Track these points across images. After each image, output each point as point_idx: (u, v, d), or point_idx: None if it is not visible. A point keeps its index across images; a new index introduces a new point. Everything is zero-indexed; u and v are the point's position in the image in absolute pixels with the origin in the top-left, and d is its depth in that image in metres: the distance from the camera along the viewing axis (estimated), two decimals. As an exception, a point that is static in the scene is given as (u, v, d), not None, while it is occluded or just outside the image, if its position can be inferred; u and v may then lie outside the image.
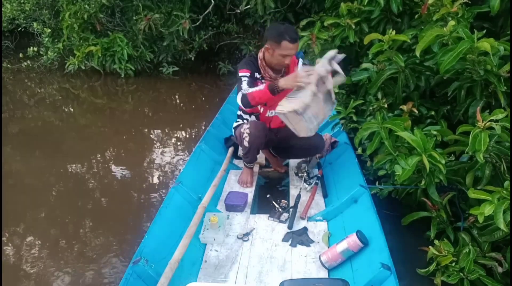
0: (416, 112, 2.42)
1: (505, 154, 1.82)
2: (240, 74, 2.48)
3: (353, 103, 2.93)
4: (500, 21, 2.58)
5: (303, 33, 3.56)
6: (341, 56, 2.30)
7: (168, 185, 3.47)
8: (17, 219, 3.02)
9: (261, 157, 3.00)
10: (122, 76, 6.35)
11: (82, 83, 6.52)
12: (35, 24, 7.02)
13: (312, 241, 2.20)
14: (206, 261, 2.07)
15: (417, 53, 2.29)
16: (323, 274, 1.97)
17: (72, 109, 5.78)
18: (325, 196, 2.64)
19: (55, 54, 6.78)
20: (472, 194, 1.69)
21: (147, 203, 3.22)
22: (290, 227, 2.30)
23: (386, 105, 2.66)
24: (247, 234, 2.26)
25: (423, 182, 2.02)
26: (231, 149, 3.03)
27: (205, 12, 6.07)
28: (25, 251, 2.70)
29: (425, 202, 2.15)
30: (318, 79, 2.16)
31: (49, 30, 6.82)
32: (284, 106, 2.16)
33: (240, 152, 2.87)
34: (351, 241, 1.95)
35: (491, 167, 1.86)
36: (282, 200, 2.51)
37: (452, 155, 2.12)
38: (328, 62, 2.22)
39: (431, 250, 1.89)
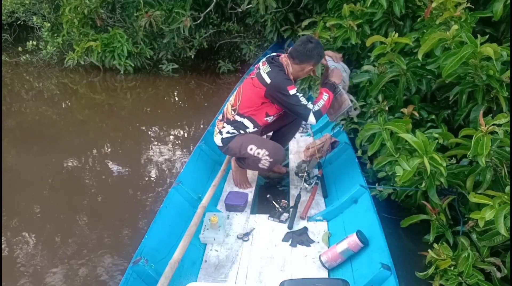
0: (417, 115, 2.43)
1: (506, 159, 1.83)
2: (291, 92, 2.31)
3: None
4: (502, 26, 2.60)
5: (306, 32, 3.57)
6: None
7: (165, 182, 3.47)
8: (12, 214, 3.01)
9: None
10: (122, 72, 6.34)
11: (81, 78, 6.50)
12: (34, 18, 6.98)
13: (312, 241, 2.21)
14: (206, 261, 2.07)
15: (420, 56, 2.29)
16: (323, 274, 1.97)
17: (70, 104, 5.75)
18: (325, 196, 2.65)
19: (54, 48, 6.75)
20: (473, 198, 1.70)
21: (143, 200, 3.21)
22: (290, 227, 2.30)
23: (387, 108, 2.67)
24: (247, 234, 2.26)
25: (423, 184, 2.02)
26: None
27: (207, 10, 6.06)
28: (19, 246, 2.69)
29: (424, 206, 2.16)
30: None
31: (49, 24, 6.79)
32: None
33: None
34: (351, 241, 1.96)
35: (492, 171, 1.87)
36: (282, 200, 2.52)
37: (453, 158, 2.12)
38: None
39: (430, 253, 1.89)
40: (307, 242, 2.20)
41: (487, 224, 1.65)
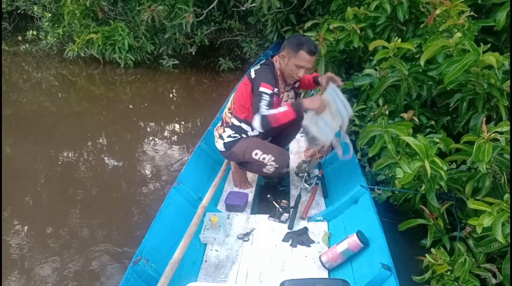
0: (417, 120, 2.46)
1: (506, 167, 1.86)
2: (262, 89, 2.21)
3: (356, 107, 2.97)
4: (504, 36, 2.63)
5: (309, 33, 3.58)
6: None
7: (160, 178, 3.47)
8: (5, 204, 3.01)
9: None
10: (122, 66, 6.31)
11: (80, 70, 6.47)
12: (35, 8, 6.94)
13: (313, 241, 2.22)
14: (206, 261, 2.08)
15: (422, 62, 2.32)
16: (323, 274, 1.99)
17: (68, 96, 5.72)
18: (325, 196, 2.66)
19: (55, 39, 6.71)
20: (472, 204, 1.73)
21: (137, 195, 3.22)
22: (290, 227, 2.32)
23: (387, 112, 2.70)
24: (247, 234, 2.27)
25: (423, 187, 2.05)
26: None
27: (209, 7, 6.04)
28: (12, 237, 2.70)
29: (422, 211, 2.18)
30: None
31: (50, 15, 6.74)
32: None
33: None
34: (351, 241, 1.97)
35: (491, 178, 1.90)
36: (283, 200, 2.53)
37: (454, 163, 2.15)
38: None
39: (427, 258, 1.92)
40: (307, 242, 2.21)
41: (484, 231, 1.67)
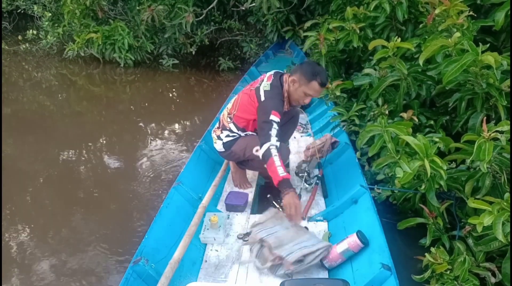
0: (416, 120, 2.46)
1: (506, 166, 1.86)
2: (272, 117, 2.22)
3: (356, 107, 2.97)
4: (502, 36, 2.63)
5: (309, 33, 3.59)
6: None
7: (159, 177, 3.48)
8: (5, 203, 3.02)
9: None
10: (121, 65, 6.32)
11: (80, 69, 6.49)
12: (35, 7, 6.96)
13: (312, 242, 2.22)
14: (206, 261, 2.08)
15: (421, 62, 2.32)
16: (323, 274, 1.98)
17: (68, 95, 5.74)
18: (325, 196, 2.66)
19: (55, 38, 6.73)
20: (472, 203, 1.72)
21: (137, 194, 3.23)
22: (290, 227, 2.31)
23: (387, 112, 2.70)
24: (247, 234, 2.26)
25: (423, 187, 2.05)
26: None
27: (209, 7, 6.05)
28: (12, 237, 2.71)
29: (421, 210, 2.19)
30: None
31: (50, 14, 6.76)
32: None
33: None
34: (351, 241, 1.97)
35: (491, 177, 1.90)
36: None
37: (453, 162, 2.16)
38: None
39: (427, 257, 1.92)
40: (307, 242, 2.21)
41: (484, 230, 1.68)
